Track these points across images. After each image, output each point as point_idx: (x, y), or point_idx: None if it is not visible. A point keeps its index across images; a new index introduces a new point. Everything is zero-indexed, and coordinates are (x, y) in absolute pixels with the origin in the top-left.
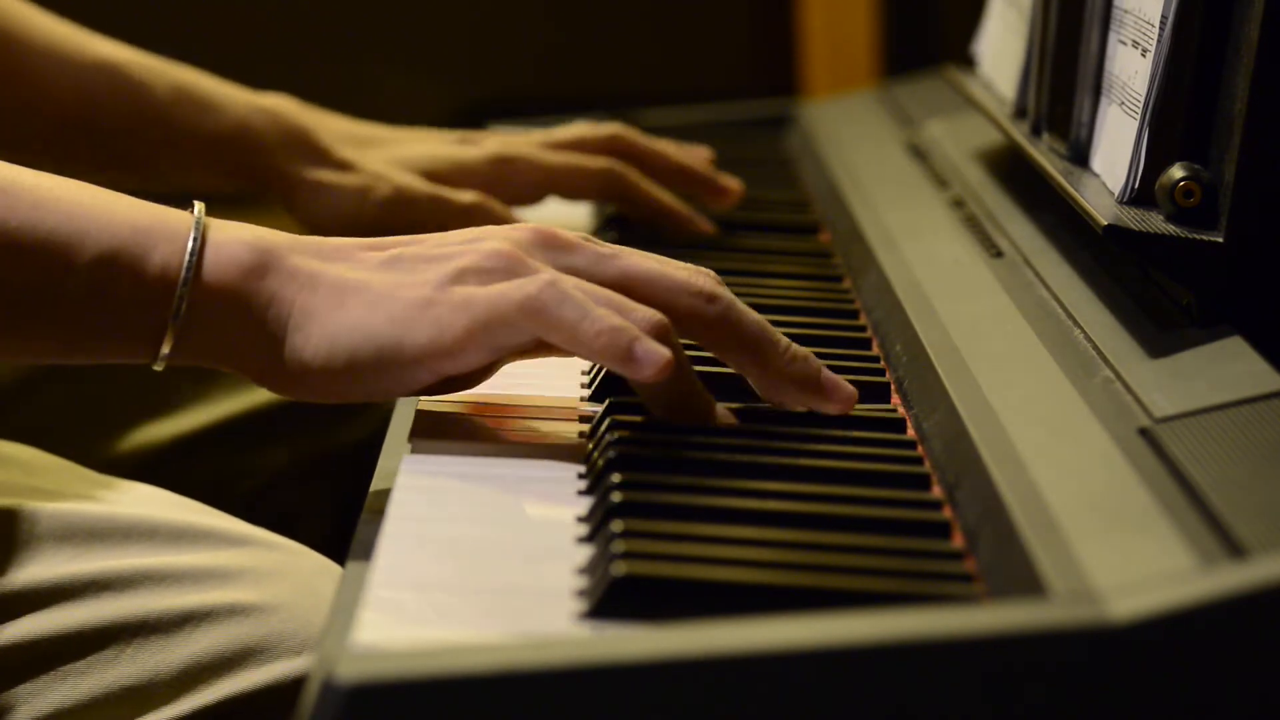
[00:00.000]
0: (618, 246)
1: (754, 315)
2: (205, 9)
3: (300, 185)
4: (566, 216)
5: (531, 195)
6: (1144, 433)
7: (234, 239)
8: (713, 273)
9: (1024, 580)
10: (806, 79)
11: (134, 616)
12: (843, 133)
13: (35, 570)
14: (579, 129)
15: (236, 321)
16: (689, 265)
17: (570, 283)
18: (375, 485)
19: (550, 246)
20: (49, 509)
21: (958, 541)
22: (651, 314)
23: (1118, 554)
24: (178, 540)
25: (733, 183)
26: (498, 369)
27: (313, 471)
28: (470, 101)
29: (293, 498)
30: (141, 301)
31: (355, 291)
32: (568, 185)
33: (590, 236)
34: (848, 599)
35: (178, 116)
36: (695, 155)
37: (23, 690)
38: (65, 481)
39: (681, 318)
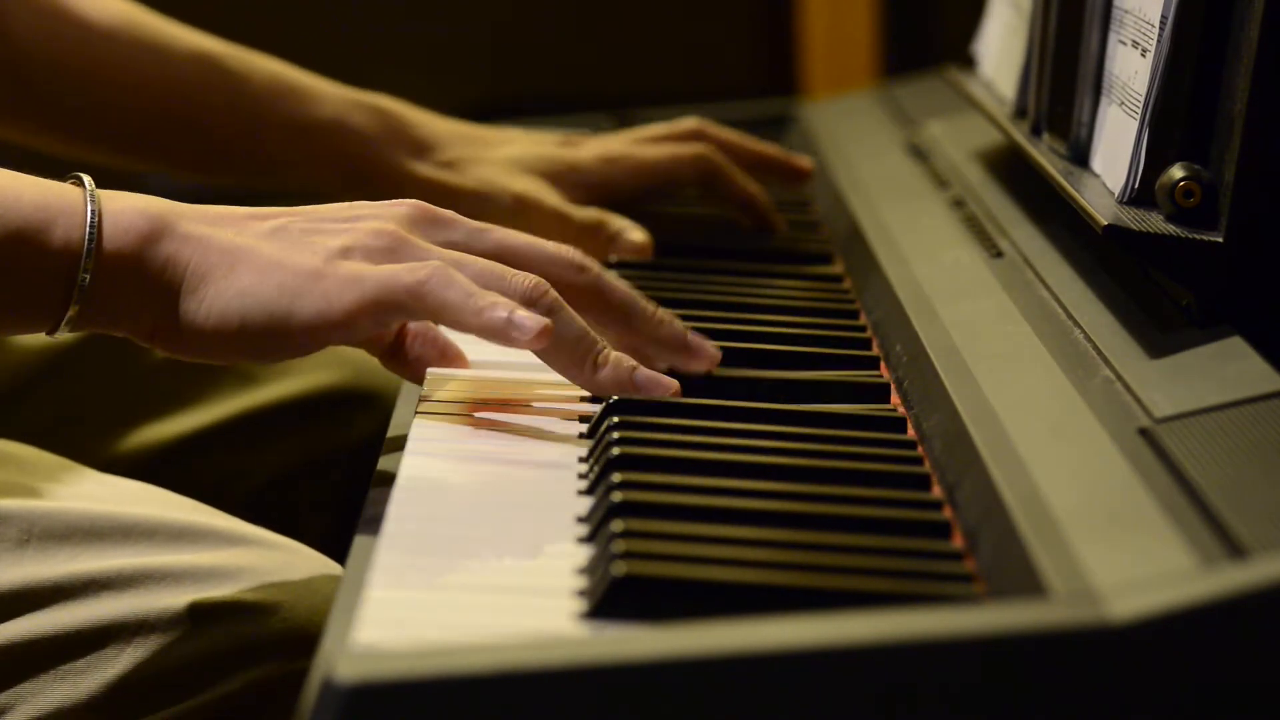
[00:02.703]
0: (490, 224)
1: (622, 285)
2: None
3: (407, 180)
4: None
5: (633, 191)
6: (1144, 433)
7: (128, 207)
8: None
9: (1024, 580)
10: (806, 79)
11: (134, 616)
12: (843, 133)
13: (35, 570)
14: (662, 127)
15: (134, 287)
16: (558, 242)
17: (452, 260)
18: (375, 485)
19: (430, 223)
20: (48, 508)
21: (958, 541)
22: (528, 278)
23: (1118, 554)
24: (177, 540)
25: (805, 161)
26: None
27: (313, 471)
28: (471, 101)
29: (293, 498)
30: (46, 276)
31: (246, 257)
32: (667, 175)
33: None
34: (848, 599)
35: (276, 108)
36: (768, 145)
37: (23, 689)
38: (65, 481)
39: (554, 286)
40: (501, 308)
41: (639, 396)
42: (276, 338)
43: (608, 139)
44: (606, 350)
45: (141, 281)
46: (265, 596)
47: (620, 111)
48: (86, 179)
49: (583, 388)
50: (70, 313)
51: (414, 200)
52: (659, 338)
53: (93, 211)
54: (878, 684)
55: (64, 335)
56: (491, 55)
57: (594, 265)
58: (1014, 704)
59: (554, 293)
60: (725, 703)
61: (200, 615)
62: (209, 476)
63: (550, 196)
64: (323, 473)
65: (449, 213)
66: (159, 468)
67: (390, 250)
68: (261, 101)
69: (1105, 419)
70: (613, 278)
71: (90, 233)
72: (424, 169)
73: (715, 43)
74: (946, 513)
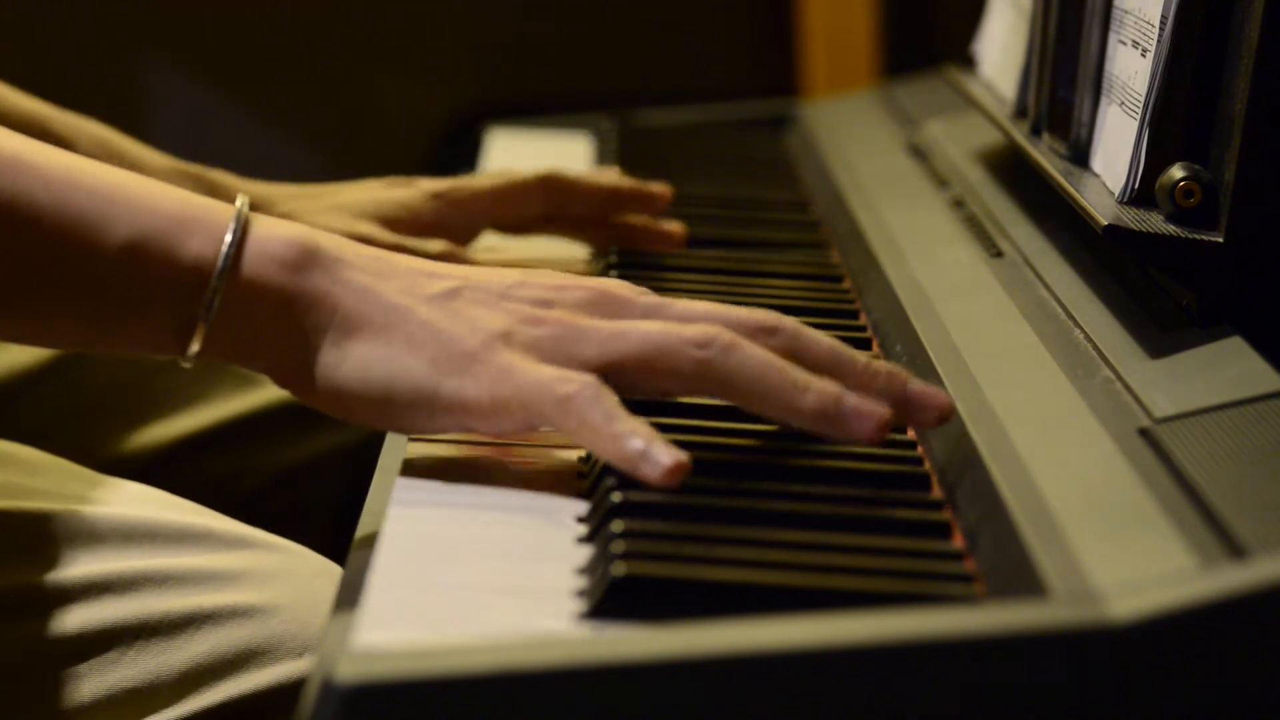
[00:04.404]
0: (670, 299)
1: (824, 338)
2: (206, 12)
3: None
4: (565, 250)
5: (477, 223)
6: (1144, 433)
7: (278, 235)
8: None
9: (1024, 580)
10: (806, 79)
11: (134, 618)
12: (843, 133)
13: (35, 573)
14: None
15: (272, 321)
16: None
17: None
18: (375, 485)
19: (609, 304)
20: (48, 510)
21: (958, 541)
22: (696, 328)
23: (1118, 554)
24: (178, 542)
25: (659, 186)
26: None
27: (313, 471)
28: (470, 101)
29: (293, 498)
30: (172, 292)
31: (402, 320)
32: (507, 199)
33: (647, 292)
34: (848, 599)
35: None
36: (611, 174)
37: (24, 693)
38: (65, 482)
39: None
40: (639, 438)
41: (854, 430)
42: (417, 412)
43: (433, 181)
44: (806, 378)
45: (282, 316)
46: (265, 598)
47: (620, 111)
48: (242, 197)
49: (796, 425)
50: (197, 336)
51: (594, 283)
52: (873, 391)
53: (235, 230)
54: (878, 684)
55: (196, 362)
56: (491, 55)
57: (788, 323)
58: (1014, 704)
59: (726, 334)
60: (725, 703)
61: (201, 617)
62: (209, 477)
63: (387, 235)
64: (323, 473)
65: (624, 292)
66: (159, 468)
67: (556, 341)
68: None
69: (1105, 419)
70: (811, 333)
71: (228, 251)
72: None
73: (715, 43)
74: (946, 513)
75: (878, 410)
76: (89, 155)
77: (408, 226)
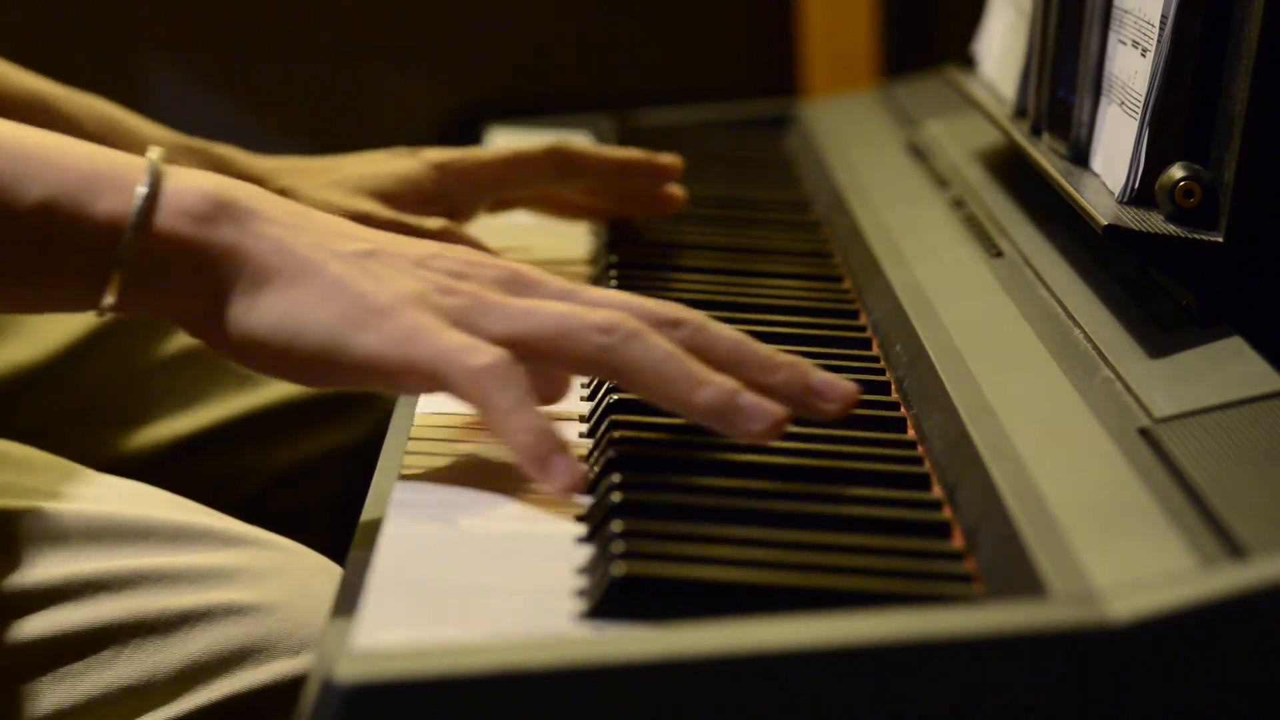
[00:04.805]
0: (580, 285)
1: (728, 331)
2: (206, 9)
3: None
4: (564, 250)
5: (480, 195)
6: (1144, 433)
7: (191, 187)
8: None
9: (1024, 580)
10: (806, 79)
11: (132, 617)
12: (843, 133)
13: (32, 571)
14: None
15: (185, 272)
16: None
17: (523, 312)
18: (375, 485)
19: (518, 286)
20: (45, 509)
21: (958, 541)
22: (601, 313)
23: (1118, 554)
24: (175, 540)
25: (669, 157)
26: None
27: (313, 471)
28: (470, 101)
29: (293, 498)
30: (87, 246)
31: (314, 272)
32: (512, 171)
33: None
34: (848, 599)
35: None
36: (628, 150)
37: (21, 692)
38: (61, 481)
39: None
40: (545, 440)
41: (746, 429)
42: (322, 366)
43: (437, 151)
44: (705, 372)
45: (195, 267)
46: (264, 597)
47: (620, 111)
48: (155, 150)
49: (692, 419)
50: (112, 288)
51: (507, 263)
52: (775, 385)
53: (148, 184)
54: (878, 684)
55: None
56: (491, 55)
57: (694, 317)
58: (1014, 704)
59: (631, 322)
60: (725, 703)
61: (199, 616)
62: (209, 476)
63: (386, 211)
64: (323, 473)
65: (536, 275)
66: (158, 468)
67: (465, 311)
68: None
69: (1105, 419)
70: (717, 327)
71: (141, 204)
72: None
73: (715, 43)
74: (946, 513)
75: (772, 410)
76: (93, 132)
77: (407, 200)
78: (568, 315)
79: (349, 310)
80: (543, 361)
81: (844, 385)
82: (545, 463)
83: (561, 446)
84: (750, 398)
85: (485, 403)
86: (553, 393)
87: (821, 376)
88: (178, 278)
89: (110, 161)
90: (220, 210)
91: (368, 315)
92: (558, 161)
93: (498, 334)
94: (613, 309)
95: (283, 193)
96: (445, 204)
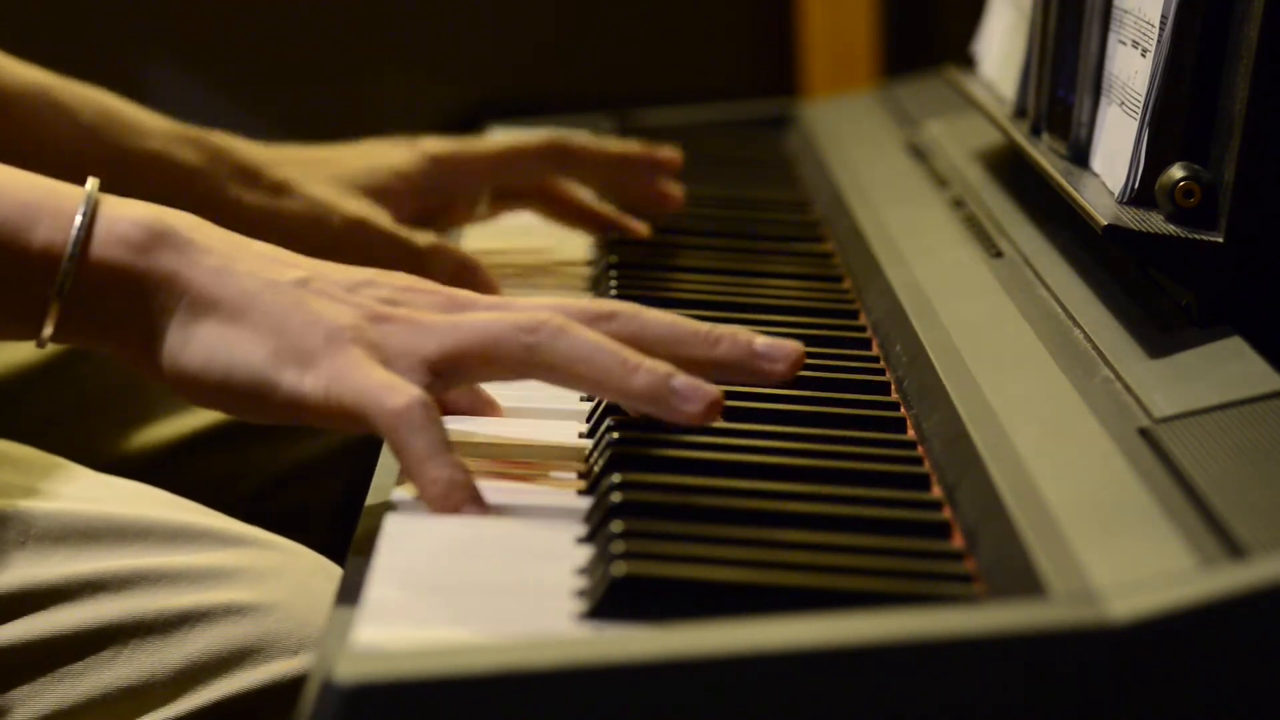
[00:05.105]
0: (514, 299)
1: (660, 315)
2: (206, 8)
3: (233, 211)
4: (564, 251)
5: (478, 187)
6: (1144, 433)
7: (127, 217)
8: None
9: (1024, 580)
10: (806, 79)
11: (130, 617)
12: (843, 133)
13: (31, 571)
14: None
15: (123, 301)
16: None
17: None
18: (375, 485)
19: (451, 306)
20: (44, 509)
21: (958, 541)
22: (528, 315)
23: (1118, 554)
24: (173, 540)
25: (669, 151)
26: None
27: (312, 471)
28: (471, 101)
29: (293, 498)
30: (24, 276)
31: (248, 307)
32: (511, 168)
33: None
34: (848, 599)
35: (103, 140)
36: (627, 143)
37: (19, 692)
38: (60, 481)
39: None
40: (454, 488)
41: (683, 410)
42: (254, 403)
43: (436, 141)
44: (637, 358)
45: (133, 296)
46: (264, 597)
47: (620, 111)
48: (92, 181)
49: (632, 407)
50: (50, 319)
51: (442, 288)
52: (719, 358)
53: (84, 214)
54: (877, 684)
55: (52, 346)
56: (491, 55)
57: (626, 308)
58: (1014, 704)
59: (557, 319)
60: (725, 703)
61: (198, 616)
62: (208, 476)
63: (385, 220)
64: (323, 473)
65: (470, 296)
66: (158, 468)
67: (396, 335)
68: (89, 134)
69: (1105, 419)
70: (651, 314)
71: (77, 234)
72: (250, 197)
73: (715, 43)
74: (946, 513)
75: (707, 390)
76: (90, 123)
77: (404, 195)
78: (492, 322)
79: (281, 348)
80: (479, 374)
81: (789, 344)
82: (454, 508)
83: (473, 496)
84: (685, 379)
85: (400, 446)
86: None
87: (764, 340)
88: (115, 307)
89: (48, 191)
90: (157, 239)
91: (297, 354)
92: (555, 153)
93: (431, 355)
94: (539, 310)
95: (282, 184)
96: (442, 196)
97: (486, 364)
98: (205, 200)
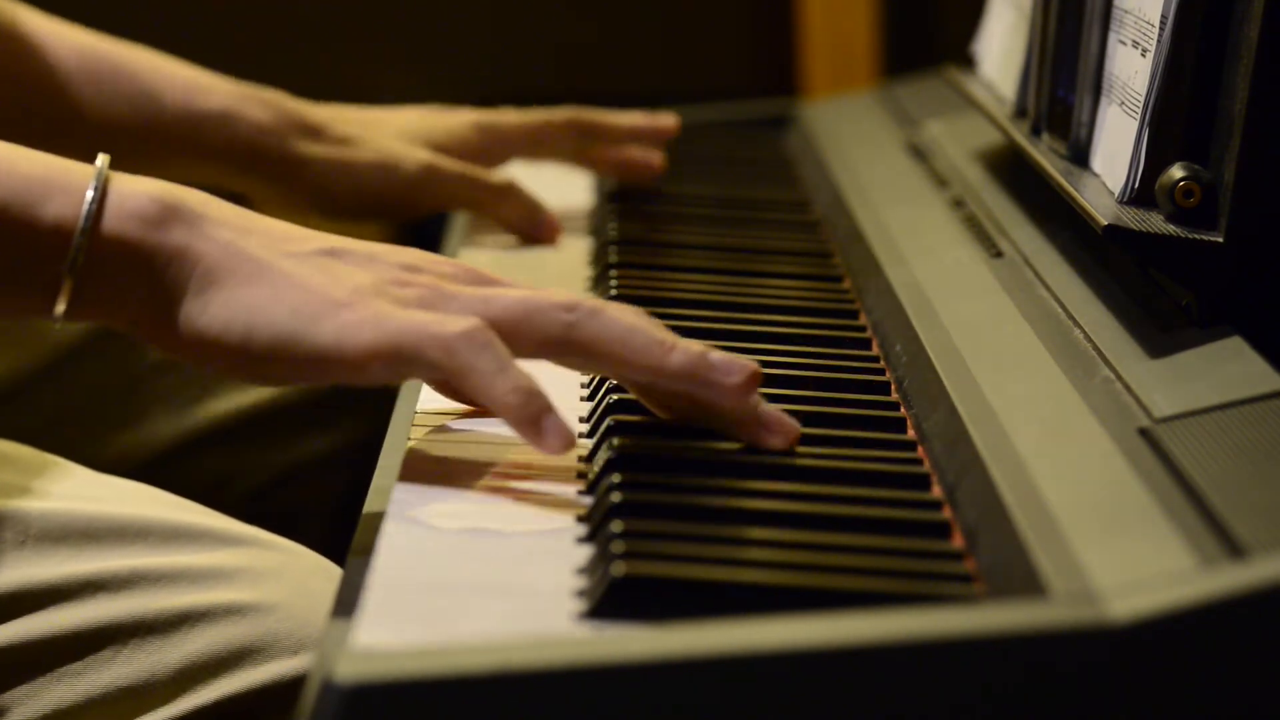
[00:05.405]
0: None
1: (620, 318)
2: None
3: (307, 164)
4: (571, 200)
5: (510, 156)
6: (1144, 433)
7: (139, 192)
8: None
9: (1024, 580)
10: (806, 79)
11: (130, 617)
12: (843, 133)
13: (30, 571)
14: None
15: (136, 276)
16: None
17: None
18: (374, 485)
19: (476, 281)
20: (43, 508)
21: (958, 541)
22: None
23: (1118, 554)
24: (173, 540)
25: (667, 118)
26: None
27: (312, 471)
28: (472, 102)
29: (293, 498)
30: (36, 253)
31: (266, 271)
32: (539, 135)
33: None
34: (848, 599)
35: (165, 99)
36: (631, 115)
37: (19, 692)
38: (59, 481)
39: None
40: (536, 399)
41: (723, 383)
42: (279, 362)
43: (473, 111)
44: (673, 337)
45: (146, 271)
46: (263, 597)
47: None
48: (102, 157)
49: (665, 386)
50: (64, 296)
51: (460, 262)
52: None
53: (95, 189)
54: (878, 684)
55: (65, 323)
56: (491, 55)
57: (581, 303)
58: (1014, 704)
59: (591, 300)
60: (725, 703)
61: (197, 616)
62: (207, 477)
63: (454, 162)
64: (322, 473)
65: (490, 273)
66: (158, 468)
67: (423, 301)
68: (150, 93)
69: (1105, 419)
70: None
71: (89, 209)
72: (319, 149)
73: (715, 43)
74: (946, 512)
75: (744, 363)
76: (152, 82)
77: (455, 154)
78: (530, 296)
79: (304, 304)
80: (509, 345)
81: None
82: (536, 423)
83: (550, 406)
84: (720, 355)
85: (467, 369)
86: None
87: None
88: (128, 282)
89: (58, 168)
90: (168, 213)
91: (324, 306)
92: (579, 129)
93: (471, 317)
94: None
95: (347, 137)
96: (484, 159)
97: (518, 336)
98: (275, 155)
